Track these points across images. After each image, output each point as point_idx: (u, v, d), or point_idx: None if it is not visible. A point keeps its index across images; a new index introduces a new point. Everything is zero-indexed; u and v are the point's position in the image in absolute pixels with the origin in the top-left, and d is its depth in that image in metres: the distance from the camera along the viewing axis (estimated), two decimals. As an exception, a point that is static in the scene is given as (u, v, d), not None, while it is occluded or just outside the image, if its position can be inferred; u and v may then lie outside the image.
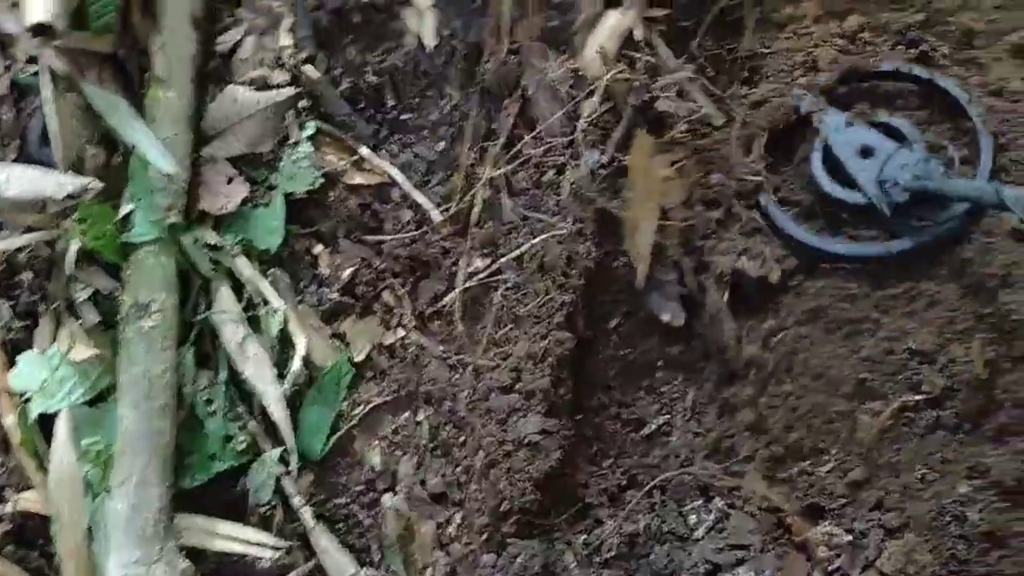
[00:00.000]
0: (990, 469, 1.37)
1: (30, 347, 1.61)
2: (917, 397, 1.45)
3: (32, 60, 1.72)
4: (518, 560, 1.48)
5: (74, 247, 1.55)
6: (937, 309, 1.47)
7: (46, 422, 1.57)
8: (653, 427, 1.64)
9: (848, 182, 1.54)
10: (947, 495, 1.40)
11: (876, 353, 1.49)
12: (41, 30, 1.48)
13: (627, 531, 1.52)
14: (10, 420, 1.58)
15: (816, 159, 1.58)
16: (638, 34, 1.67)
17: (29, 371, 1.59)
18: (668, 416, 1.65)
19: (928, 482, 1.42)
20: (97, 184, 1.54)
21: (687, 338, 1.64)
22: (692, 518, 1.54)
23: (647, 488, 1.56)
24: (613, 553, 1.50)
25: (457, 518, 1.58)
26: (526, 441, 1.52)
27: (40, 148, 1.67)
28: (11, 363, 1.59)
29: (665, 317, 1.63)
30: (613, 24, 1.68)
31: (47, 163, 1.61)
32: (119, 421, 1.48)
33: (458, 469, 1.61)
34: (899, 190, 1.49)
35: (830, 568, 1.42)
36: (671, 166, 1.57)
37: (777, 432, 1.55)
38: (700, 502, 1.56)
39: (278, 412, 1.57)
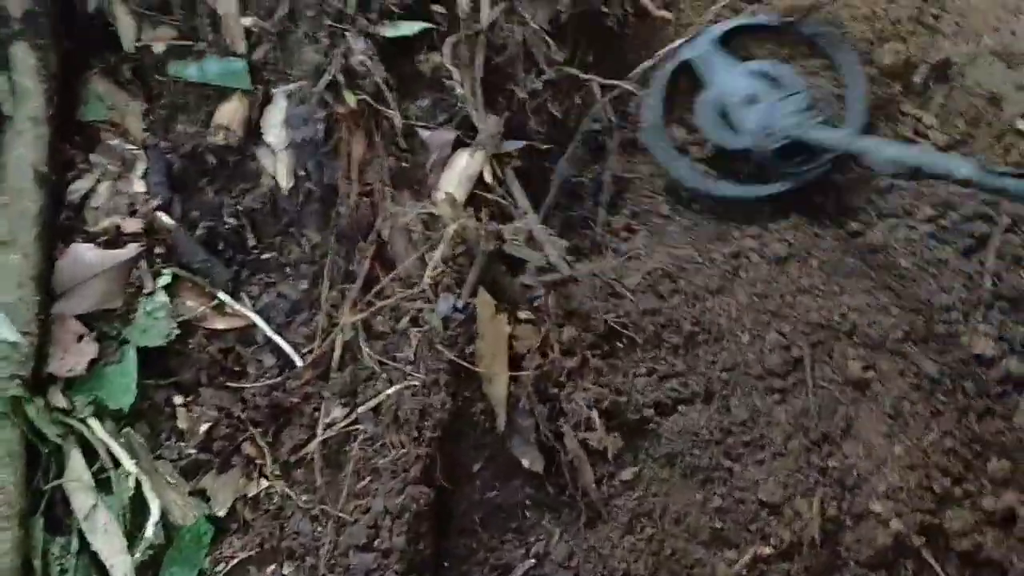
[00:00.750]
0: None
1: None
2: (767, 550, 1.44)
3: None
4: None
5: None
6: (783, 460, 1.46)
7: None
8: (520, 573, 1.62)
9: (733, 128, 1.67)
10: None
11: (728, 503, 1.49)
12: None
13: None
14: None
15: (703, 106, 1.71)
16: (488, 176, 1.66)
17: None
18: (535, 561, 1.63)
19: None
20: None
21: (551, 481, 1.63)
22: None
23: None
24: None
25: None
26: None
27: None
28: None
29: (525, 462, 1.62)
30: (463, 167, 1.67)
31: None
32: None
33: None
34: (776, 138, 1.60)
35: None
36: (520, 318, 1.56)
37: (643, 577, 1.53)
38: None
39: (130, 586, 1.53)
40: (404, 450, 1.57)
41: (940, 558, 1.36)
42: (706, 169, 1.74)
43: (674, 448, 1.54)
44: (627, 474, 1.58)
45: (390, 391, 1.60)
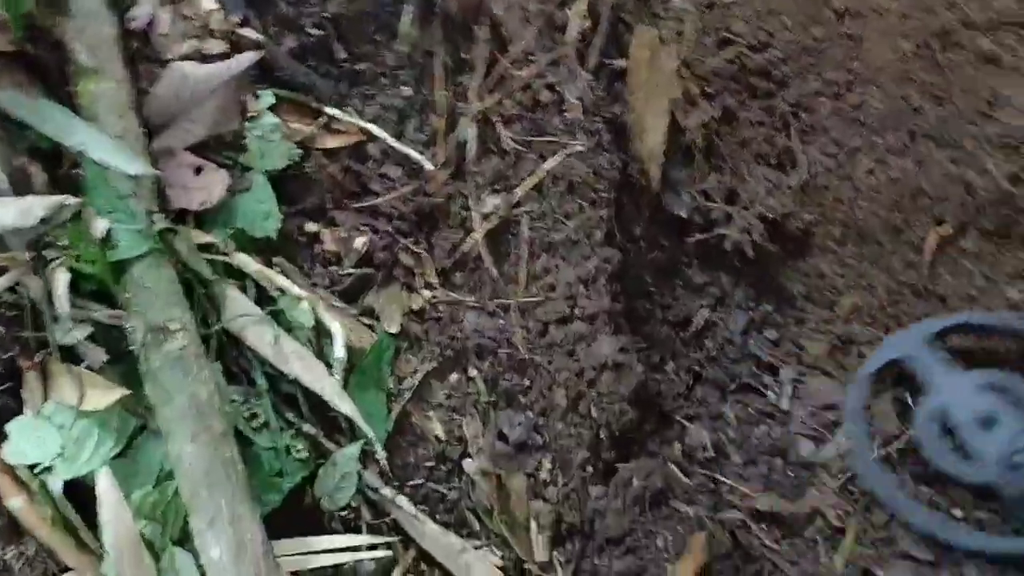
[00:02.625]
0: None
1: (17, 412, 1.34)
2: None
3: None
4: (634, 483, 1.44)
5: (63, 279, 1.30)
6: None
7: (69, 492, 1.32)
8: (701, 322, 1.65)
9: (966, 455, 1.37)
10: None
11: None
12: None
13: (718, 429, 1.53)
14: (18, 502, 1.31)
15: (926, 426, 1.41)
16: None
17: (26, 439, 1.32)
18: (711, 307, 1.66)
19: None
20: (74, 200, 1.29)
21: (706, 229, 1.65)
22: (771, 394, 1.57)
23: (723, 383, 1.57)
24: (712, 453, 1.50)
25: (547, 463, 1.51)
26: (608, 364, 1.47)
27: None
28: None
29: (682, 213, 1.63)
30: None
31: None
32: (178, 461, 1.27)
33: (531, 413, 1.53)
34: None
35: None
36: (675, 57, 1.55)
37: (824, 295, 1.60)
38: (770, 378, 1.60)
39: (344, 405, 1.42)
40: (585, 214, 1.54)
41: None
42: (947, 513, 1.40)
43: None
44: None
45: (549, 165, 1.56)
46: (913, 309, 1.59)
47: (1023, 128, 1.56)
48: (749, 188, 1.61)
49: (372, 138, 1.64)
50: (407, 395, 1.54)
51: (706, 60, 1.64)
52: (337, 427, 1.47)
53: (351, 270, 1.55)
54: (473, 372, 1.58)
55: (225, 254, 1.46)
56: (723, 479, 1.47)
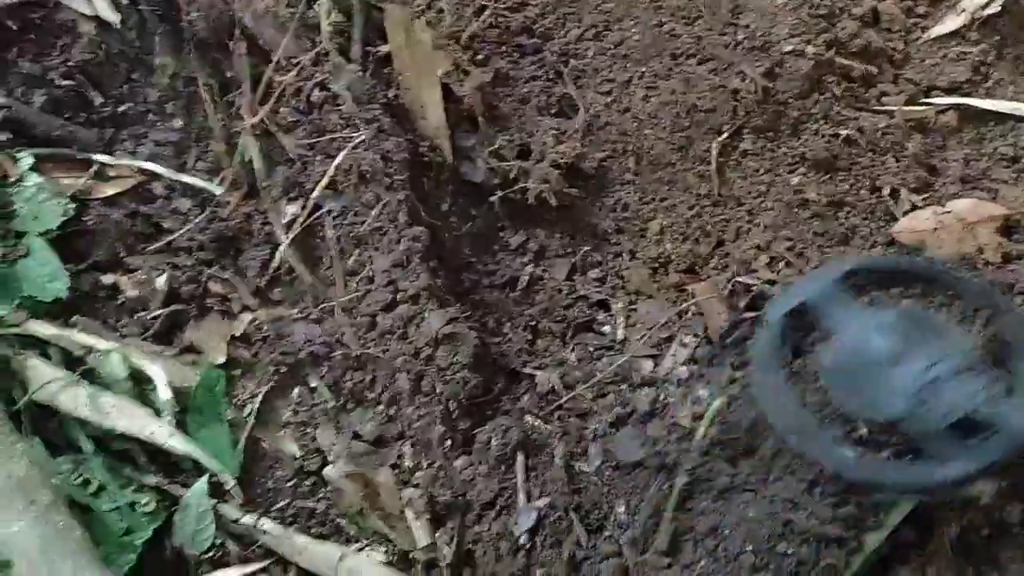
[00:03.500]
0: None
1: None
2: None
3: None
4: (494, 443, 1.45)
5: None
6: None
7: None
8: (526, 279, 1.67)
9: (872, 393, 1.31)
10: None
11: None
12: None
13: (565, 373, 1.55)
14: None
15: (834, 366, 1.35)
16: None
17: None
18: (533, 263, 1.68)
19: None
20: None
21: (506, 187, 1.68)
22: (607, 328, 1.61)
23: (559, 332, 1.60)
24: (566, 397, 1.52)
25: (407, 449, 1.50)
26: (440, 337, 1.47)
27: None
28: None
29: (479, 179, 1.66)
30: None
31: None
32: (11, 544, 1.19)
33: (381, 407, 1.52)
34: (948, 413, 1.26)
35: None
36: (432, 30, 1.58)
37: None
38: (603, 314, 1.64)
39: (179, 444, 1.36)
40: (384, 201, 1.54)
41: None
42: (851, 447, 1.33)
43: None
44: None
45: (337, 161, 1.55)
46: (714, 218, 1.66)
47: (765, 28, 1.67)
48: (537, 140, 1.65)
49: (154, 176, 1.59)
50: (251, 421, 1.49)
51: (467, 29, 1.67)
52: (183, 470, 1.41)
53: (159, 311, 1.49)
54: (314, 382, 1.55)
55: (16, 325, 1.37)
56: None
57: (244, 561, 1.37)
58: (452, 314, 1.50)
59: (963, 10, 1.68)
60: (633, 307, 1.64)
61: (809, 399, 1.35)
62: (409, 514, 1.47)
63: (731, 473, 1.39)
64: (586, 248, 1.69)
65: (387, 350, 1.50)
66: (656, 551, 1.35)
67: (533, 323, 1.65)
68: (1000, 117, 1.65)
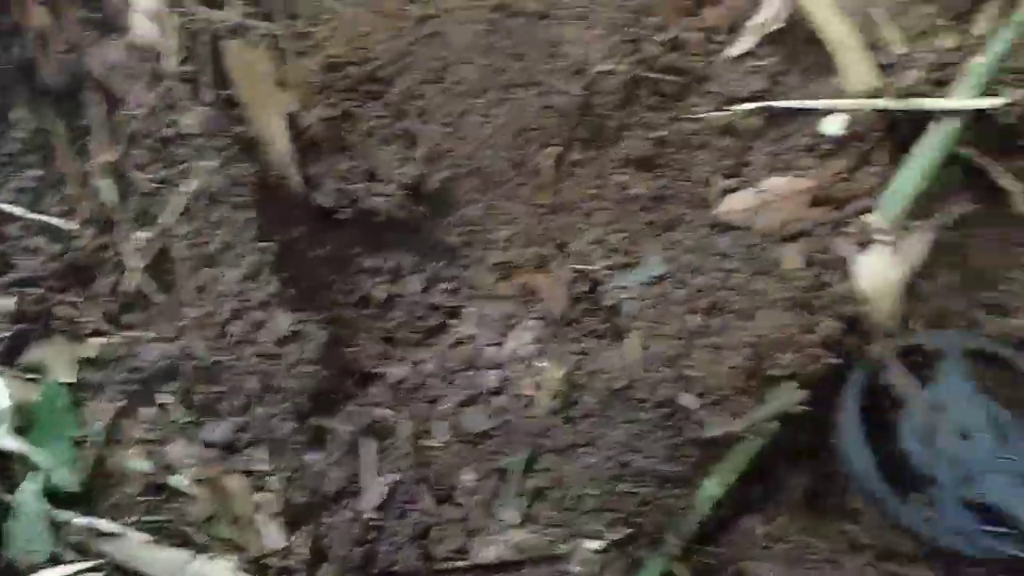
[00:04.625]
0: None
1: None
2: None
3: None
4: (342, 432, 1.46)
5: None
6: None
7: None
8: (382, 297, 1.74)
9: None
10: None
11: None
12: None
13: (416, 365, 1.60)
14: None
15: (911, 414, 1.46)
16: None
17: None
18: (389, 282, 1.76)
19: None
20: None
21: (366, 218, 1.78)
22: (459, 330, 1.67)
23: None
24: (415, 384, 1.56)
25: (260, 453, 1.50)
26: (288, 335, 1.52)
27: None
28: None
29: (328, 203, 1.75)
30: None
31: None
32: None
33: (232, 413, 1.53)
34: (972, 490, 1.39)
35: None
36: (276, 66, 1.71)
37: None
38: (456, 320, 1.70)
39: (13, 443, 1.34)
40: (232, 218, 1.62)
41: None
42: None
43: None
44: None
45: (187, 188, 1.64)
46: (554, 223, 1.78)
47: (581, 54, 1.85)
48: (383, 164, 1.76)
49: (9, 218, 1.64)
50: (99, 440, 1.48)
51: (314, 81, 1.81)
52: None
53: (4, 333, 1.50)
54: (165, 399, 1.56)
55: None
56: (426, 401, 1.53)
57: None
58: (301, 317, 1.55)
59: (755, 30, 1.90)
60: (484, 311, 1.70)
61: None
62: (261, 518, 1.45)
63: (572, 431, 1.42)
64: (437, 263, 1.77)
65: (238, 358, 1.53)
66: (505, 509, 1.35)
67: (389, 335, 1.70)
68: (797, 114, 1.83)
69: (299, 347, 1.50)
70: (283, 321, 1.52)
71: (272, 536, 1.42)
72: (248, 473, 1.49)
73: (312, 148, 1.75)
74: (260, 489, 1.48)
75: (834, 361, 1.49)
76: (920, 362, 1.51)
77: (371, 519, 1.38)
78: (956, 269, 1.79)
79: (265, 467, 1.49)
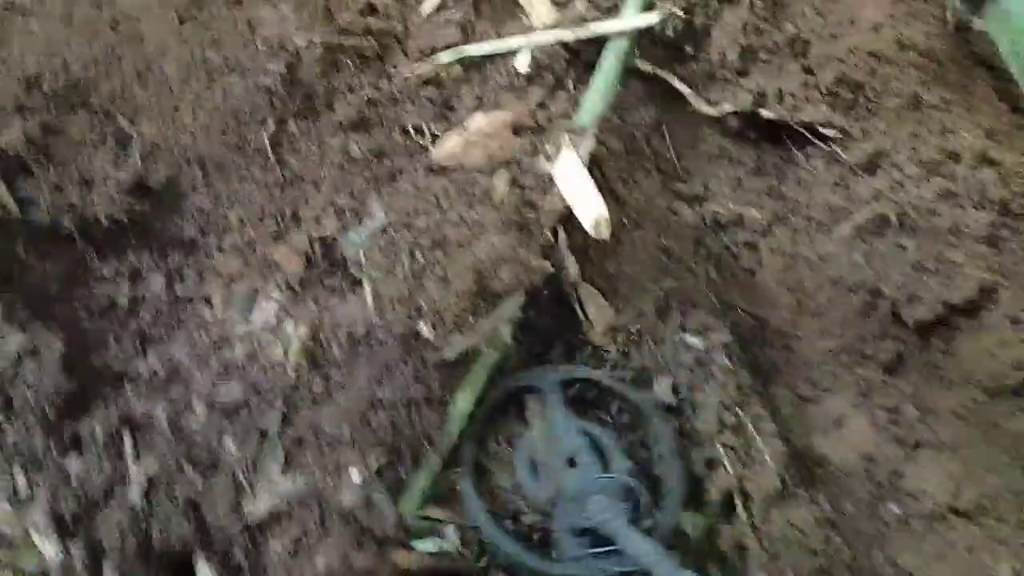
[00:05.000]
0: None
1: None
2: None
3: None
4: (98, 431, 1.48)
5: None
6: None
7: None
8: (125, 301, 1.74)
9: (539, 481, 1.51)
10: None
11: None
12: None
13: (167, 358, 1.62)
14: None
15: (523, 447, 1.55)
16: None
17: None
18: (130, 285, 1.76)
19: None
20: None
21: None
22: (209, 316, 1.71)
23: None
24: (168, 373, 1.59)
25: (19, 475, 1.49)
26: (22, 352, 1.50)
27: None
28: None
29: (44, 220, 1.73)
30: None
31: None
32: None
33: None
34: (571, 518, 1.45)
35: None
36: None
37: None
38: (206, 307, 1.74)
39: None
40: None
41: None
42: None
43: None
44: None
45: None
46: (285, 197, 1.84)
47: (277, 32, 1.91)
48: (98, 170, 1.75)
49: None
50: None
51: (8, 103, 1.77)
52: None
53: None
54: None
55: None
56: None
57: None
58: (34, 334, 1.53)
59: (441, -14, 2.03)
60: (230, 291, 1.75)
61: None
62: (36, 536, 1.44)
63: (323, 384, 1.50)
64: (176, 256, 1.79)
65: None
66: (267, 465, 1.42)
67: (140, 337, 1.71)
68: (494, 57, 1.98)
69: (37, 364, 1.49)
70: (13, 343, 1.50)
71: (49, 550, 1.42)
72: (12, 497, 1.47)
73: (20, 169, 1.72)
74: (26, 507, 1.46)
75: (551, 270, 1.65)
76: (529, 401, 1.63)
77: (140, 508, 1.41)
78: (652, 168, 2.02)
79: (26, 488, 1.47)
